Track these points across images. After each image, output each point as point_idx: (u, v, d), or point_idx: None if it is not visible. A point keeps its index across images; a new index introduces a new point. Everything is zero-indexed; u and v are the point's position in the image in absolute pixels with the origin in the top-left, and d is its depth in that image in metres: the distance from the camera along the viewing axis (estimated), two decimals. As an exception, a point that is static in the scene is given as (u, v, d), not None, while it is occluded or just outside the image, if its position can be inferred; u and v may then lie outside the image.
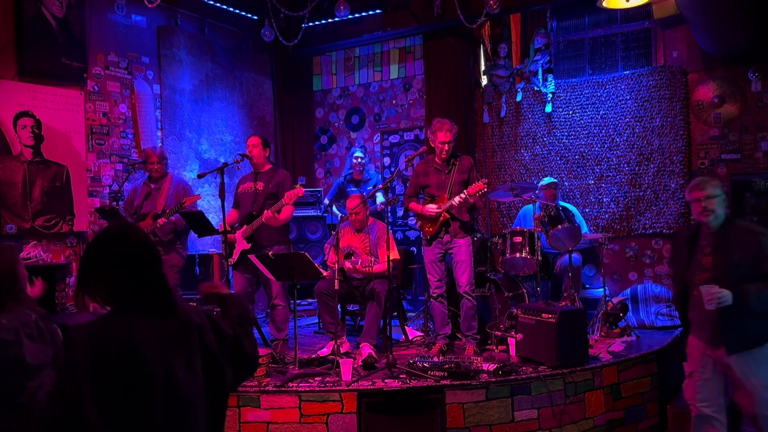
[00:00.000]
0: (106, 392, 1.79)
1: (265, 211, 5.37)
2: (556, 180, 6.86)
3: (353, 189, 7.48)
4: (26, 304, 2.95)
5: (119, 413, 1.80)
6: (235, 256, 5.52)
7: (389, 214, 8.16)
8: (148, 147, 6.57)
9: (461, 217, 5.33)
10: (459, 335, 5.62)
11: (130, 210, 6.01)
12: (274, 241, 5.55)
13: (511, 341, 5.13)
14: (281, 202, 5.32)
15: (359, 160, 7.63)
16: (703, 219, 3.64)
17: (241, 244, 5.50)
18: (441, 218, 5.32)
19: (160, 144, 7.20)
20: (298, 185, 5.43)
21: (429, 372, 4.60)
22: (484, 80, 7.97)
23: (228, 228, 5.48)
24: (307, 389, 4.43)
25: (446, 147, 5.36)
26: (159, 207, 5.78)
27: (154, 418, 1.84)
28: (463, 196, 5.16)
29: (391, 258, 5.06)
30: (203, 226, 5.52)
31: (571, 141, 7.47)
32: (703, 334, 3.73)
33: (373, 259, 5.65)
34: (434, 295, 5.48)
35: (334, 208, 7.82)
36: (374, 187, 7.19)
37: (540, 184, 6.70)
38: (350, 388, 4.41)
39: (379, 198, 7.03)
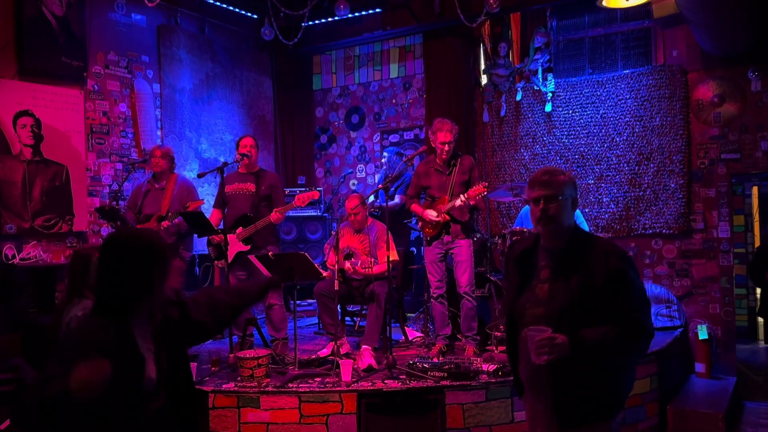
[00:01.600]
0: None
1: (273, 213, 5.40)
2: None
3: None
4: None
5: None
6: (230, 257, 5.51)
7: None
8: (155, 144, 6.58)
9: (461, 218, 5.34)
10: (459, 336, 5.62)
11: (134, 209, 5.94)
12: (268, 242, 5.58)
13: (511, 342, 5.13)
14: (292, 204, 5.36)
15: (385, 159, 7.58)
16: (540, 229, 2.64)
17: (237, 246, 5.50)
18: (441, 222, 5.33)
19: (159, 143, 7.19)
20: (313, 189, 5.46)
21: (429, 373, 4.60)
22: (484, 79, 7.97)
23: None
24: (307, 390, 4.43)
25: (446, 147, 5.35)
26: (163, 209, 5.70)
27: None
28: (463, 198, 5.16)
29: (390, 259, 5.06)
30: (204, 227, 5.52)
31: (570, 140, 7.47)
32: (535, 395, 2.68)
33: (372, 260, 5.65)
34: (434, 295, 5.48)
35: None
36: (403, 182, 7.13)
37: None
38: (350, 388, 4.42)
39: (396, 198, 7.04)
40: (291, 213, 6.31)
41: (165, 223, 5.56)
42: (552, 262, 2.61)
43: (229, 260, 5.48)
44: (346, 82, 9.10)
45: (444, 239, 5.39)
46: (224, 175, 5.51)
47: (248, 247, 5.48)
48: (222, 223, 5.71)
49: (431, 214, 5.35)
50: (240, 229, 5.49)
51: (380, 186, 5.31)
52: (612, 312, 2.47)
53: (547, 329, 2.43)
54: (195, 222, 5.48)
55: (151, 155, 5.93)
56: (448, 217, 5.30)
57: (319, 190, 8.18)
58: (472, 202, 5.21)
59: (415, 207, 5.55)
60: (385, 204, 5.21)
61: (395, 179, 5.42)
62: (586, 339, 2.44)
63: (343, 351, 5.25)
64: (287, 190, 7.29)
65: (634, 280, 2.51)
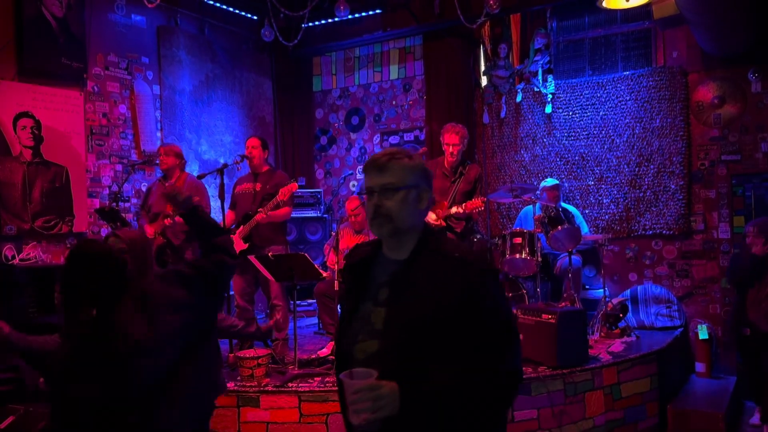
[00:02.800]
0: None
1: (258, 213, 5.36)
2: (558, 182, 6.87)
3: None
4: None
5: None
6: None
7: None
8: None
9: (456, 227, 5.37)
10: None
11: (144, 208, 5.92)
12: (271, 241, 5.54)
13: (511, 342, 5.12)
14: (276, 200, 5.31)
15: None
16: (374, 232, 1.97)
17: (239, 245, 5.48)
18: (439, 226, 5.35)
19: (159, 144, 7.18)
20: (292, 181, 5.40)
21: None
22: (484, 81, 7.97)
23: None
24: (307, 389, 4.43)
25: (450, 149, 5.38)
26: (168, 207, 5.59)
27: None
28: (461, 210, 5.19)
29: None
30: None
31: (571, 142, 7.47)
32: None
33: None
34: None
35: None
36: None
37: (543, 185, 6.69)
38: (350, 388, 4.40)
39: None
40: (294, 214, 6.27)
41: (167, 221, 5.54)
42: (392, 280, 1.93)
43: None
44: (346, 83, 9.09)
45: None
46: (231, 177, 5.49)
47: (247, 245, 5.46)
48: (234, 224, 5.70)
49: (430, 216, 5.35)
50: (242, 227, 5.49)
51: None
52: (467, 347, 1.80)
53: (372, 373, 1.73)
54: (194, 222, 5.45)
55: (157, 155, 5.93)
56: (444, 223, 5.33)
57: (318, 191, 8.20)
58: (467, 211, 5.24)
59: None
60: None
61: None
62: (423, 390, 1.74)
63: (343, 351, 5.23)
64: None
65: (497, 302, 1.86)
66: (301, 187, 8.33)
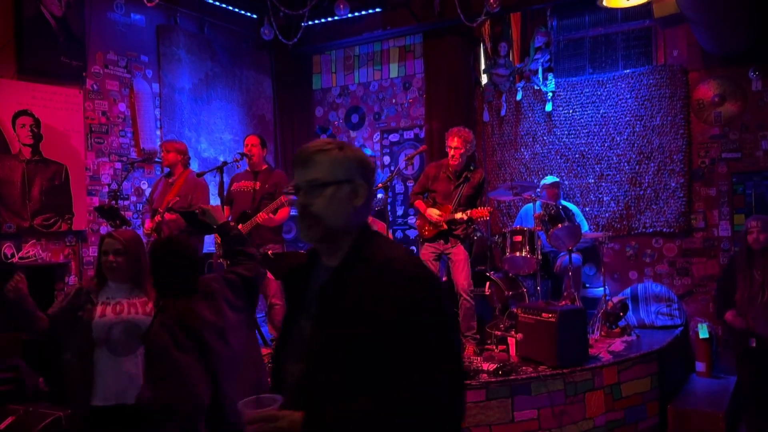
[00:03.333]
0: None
1: (261, 211, 5.34)
2: (558, 179, 6.86)
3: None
4: None
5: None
6: None
7: (390, 213, 8.14)
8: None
9: (457, 231, 5.37)
10: (458, 335, 5.60)
11: (150, 203, 5.92)
12: (269, 240, 5.53)
13: (511, 341, 5.12)
14: (278, 202, 5.30)
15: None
16: (302, 236, 1.77)
17: None
18: (440, 227, 5.35)
19: (159, 143, 7.17)
20: None
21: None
22: (485, 79, 7.96)
23: None
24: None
25: (452, 152, 5.37)
26: (164, 204, 5.61)
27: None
28: (465, 217, 5.19)
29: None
30: (202, 225, 5.47)
31: (571, 140, 7.46)
32: None
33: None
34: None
35: None
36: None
37: (543, 183, 6.68)
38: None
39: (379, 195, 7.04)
40: (294, 212, 6.26)
41: (157, 218, 5.53)
42: (320, 290, 1.70)
43: None
44: (345, 81, 9.08)
45: (439, 242, 5.42)
46: (231, 175, 5.49)
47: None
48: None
49: (434, 213, 5.35)
50: (239, 225, 5.48)
51: (379, 185, 5.31)
52: (392, 372, 1.55)
53: (276, 400, 1.58)
54: (191, 220, 5.45)
55: (159, 152, 5.94)
56: (446, 226, 5.32)
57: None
58: (472, 218, 5.24)
59: (419, 203, 5.56)
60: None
61: (390, 180, 5.44)
62: (326, 418, 1.53)
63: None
64: (287, 190, 7.27)
65: (432, 320, 1.59)
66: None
